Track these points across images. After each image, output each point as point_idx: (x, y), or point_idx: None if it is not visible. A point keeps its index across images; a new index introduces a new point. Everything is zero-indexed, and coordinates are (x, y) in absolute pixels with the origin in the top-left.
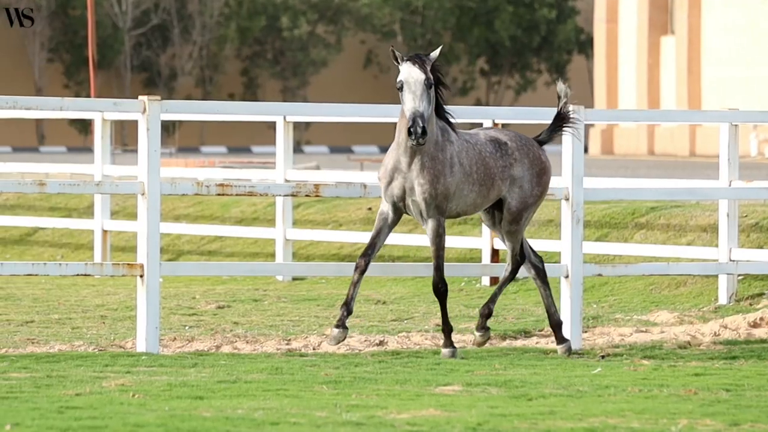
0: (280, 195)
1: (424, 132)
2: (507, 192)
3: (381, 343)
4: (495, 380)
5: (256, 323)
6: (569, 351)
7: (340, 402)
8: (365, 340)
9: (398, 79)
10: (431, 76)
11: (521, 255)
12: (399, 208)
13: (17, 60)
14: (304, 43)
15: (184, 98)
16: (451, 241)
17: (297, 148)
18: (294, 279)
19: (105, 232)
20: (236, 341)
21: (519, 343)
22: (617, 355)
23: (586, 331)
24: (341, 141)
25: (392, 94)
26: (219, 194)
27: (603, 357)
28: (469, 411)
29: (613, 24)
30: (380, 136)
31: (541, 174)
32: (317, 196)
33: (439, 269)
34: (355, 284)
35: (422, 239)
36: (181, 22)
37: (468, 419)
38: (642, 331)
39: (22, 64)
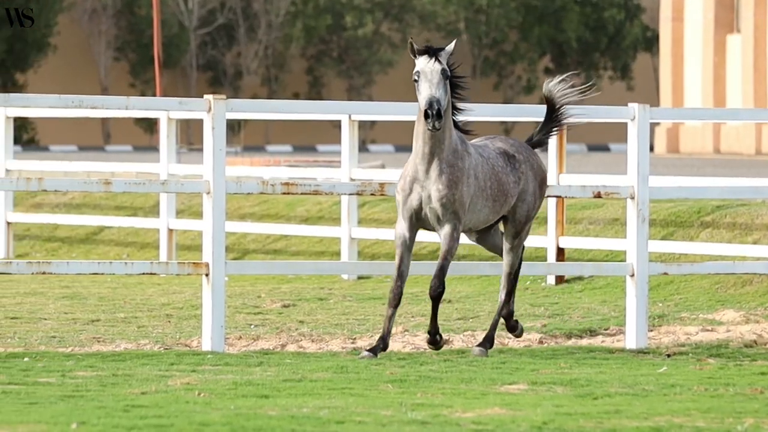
0: (345, 194)
1: (439, 114)
2: (513, 207)
3: (446, 341)
4: (560, 379)
5: (322, 322)
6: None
7: (405, 401)
8: None
9: (414, 71)
10: (448, 69)
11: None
12: (414, 225)
13: (83, 59)
14: (369, 42)
15: (250, 97)
16: None
17: (362, 147)
18: (359, 278)
19: (170, 231)
20: (301, 340)
21: (584, 341)
22: (683, 354)
23: (651, 330)
24: (406, 140)
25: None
26: (284, 193)
27: (669, 356)
28: (534, 410)
29: (678, 22)
30: None
31: (542, 184)
32: (382, 194)
33: (442, 271)
34: (390, 318)
35: None
36: (246, 21)
37: (533, 418)
38: (708, 330)
39: (88, 63)
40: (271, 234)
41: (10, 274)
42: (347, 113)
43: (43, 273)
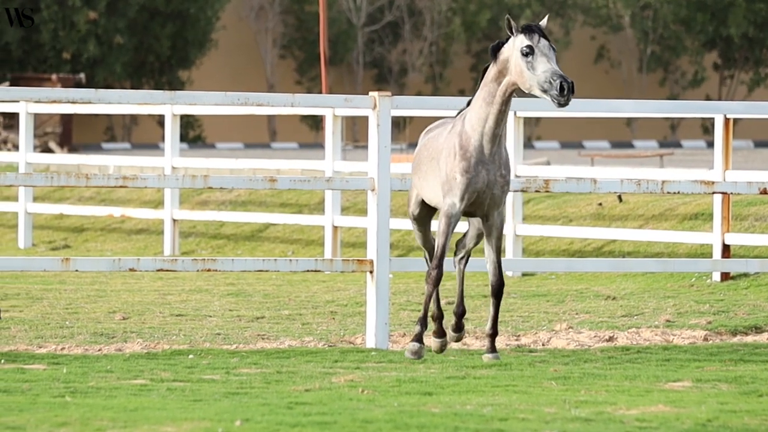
0: (512, 190)
1: (573, 88)
2: None
3: (610, 338)
4: (725, 376)
5: (485, 319)
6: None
7: (568, 398)
8: (594, 336)
9: (524, 45)
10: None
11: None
12: (465, 209)
13: (250, 57)
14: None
15: (415, 94)
16: (682, 237)
17: (527, 144)
18: (524, 274)
19: (335, 228)
20: (466, 337)
21: (750, 338)
22: None
23: None
24: (572, 136)
25: (624, 89)
26: None
27: None
28: (698, 407)
29: None
30: (611, 131)
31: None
32: (547, 191)
33: (499, 265)
34: (433, 298)
35: (654, 234)
36: (412, 18)
37: (698, 415)
38: None
39: (255, 60)
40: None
41: (176, 271)
42: (513, 110)
43: (209, 270)
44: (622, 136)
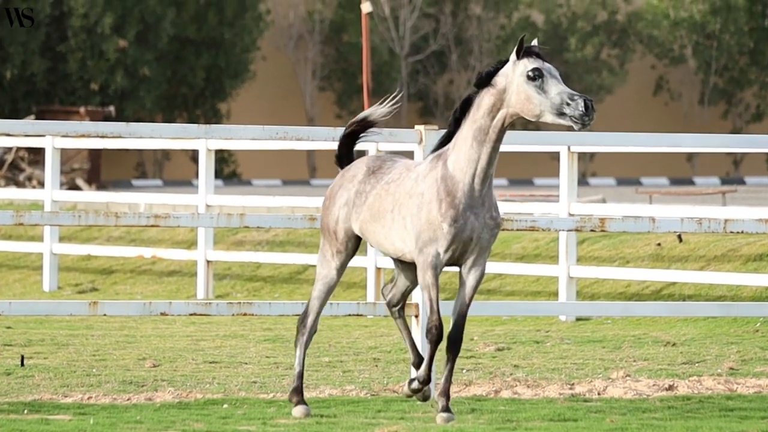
0: (563, 230)
1: (594, 108)
2: None
3: (670, 387)
4: None
5: (538, 366)
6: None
7: None
8: (653, 385)
9: (530, 68)
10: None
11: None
12: (447, 260)
13: (288, 89)
14: (588, 68)
15: None
16: (746, 279)
17: (582, 180)
18: (578, 319)
19: (378, 269)
20: (516, 385)
21: None
22: None
23: None
24: (628, 172)
25: (684, 123)
26: None
27: None
28: None
29: None
30: (670, 167)
31: None
32: (603, 230)
33: (465, 316)
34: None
35: (717, 276)
36: (459, 47)
37: None
38: None
39: (293, 92)
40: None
41: (210, 315)
42: (566, 144)
43: (245, 314)
44: (682, 173)
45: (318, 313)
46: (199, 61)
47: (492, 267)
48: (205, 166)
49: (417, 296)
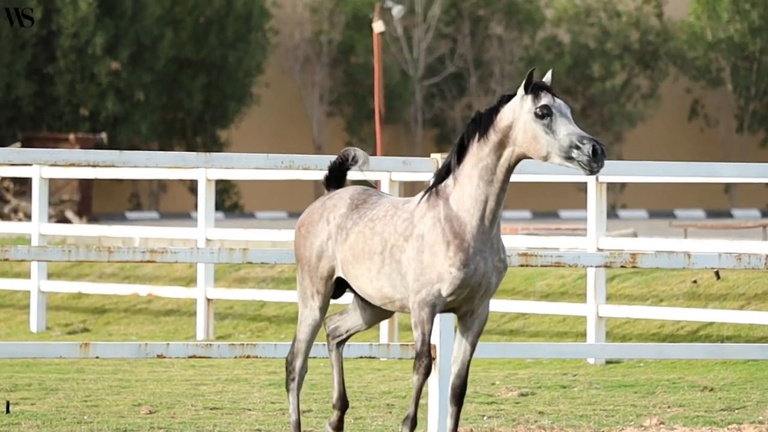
0: (591, 266)
1: (604, 152)
2: None
3: None
4: None
5: (564, 413)
6: None
7: None
8: None
9: (539, 105)
10: None
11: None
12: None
13: (294, 114)
14: (617, 93)
15: None
16: None
17: (611, 213)
18: (607, 362)
19: None
20: None
21: None
22: None
23: None
24: (662, 204)
25: (722, 150)
26: (522, 265)
27: None
28: None
29: None
30: (707, 198)
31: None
32: (634, 266)
33: (469, 365)
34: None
35: (758, 316)
36: (478, 69)
37: None
38: None
39: (300, 118)
40: (506, 312)
41: (211, 358)
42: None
43: (248, 357)
44: (719, 204)
45: (307, 354)
46: (198, 85)
47: (515, 306)
48: (205, 197)
49: (434, 337)
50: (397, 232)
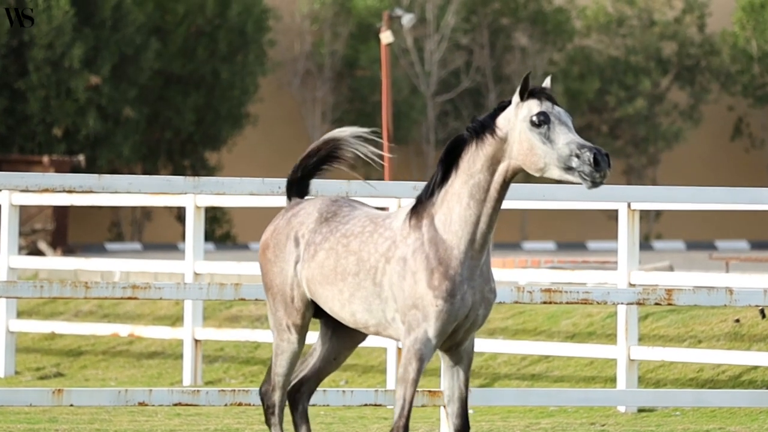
0: (622, 303)
1: (608, 160)
2: None
3: None
4: None
5: None
6: None
7: None
8: None
9: (534, 113)
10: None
11: None
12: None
13: (293, 133)
14: (650, 113)
15: None
16: None
17: (645, 244)
18: (640, 410)
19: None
20: None
21: None
22: None
23: None
24: (701, 234)
25: (767, 174)
26: (545, 302)
27: None
28: None
29: None
30: (752, 227)
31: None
32: (670, 304)
33: (467, 402)
34: None
35: None
36: (498, 85)
37: None
38: None
39: (299, 137)
40: (527, 354)
41: (199, 405)
42: (625, 200)
43: (239, 404)
44: (765, 235)
45: (286, 388)
46: (188, 102)
47: (537, 348)
48: (193, 226)
49: (442, 383)
50: (378, 252)
